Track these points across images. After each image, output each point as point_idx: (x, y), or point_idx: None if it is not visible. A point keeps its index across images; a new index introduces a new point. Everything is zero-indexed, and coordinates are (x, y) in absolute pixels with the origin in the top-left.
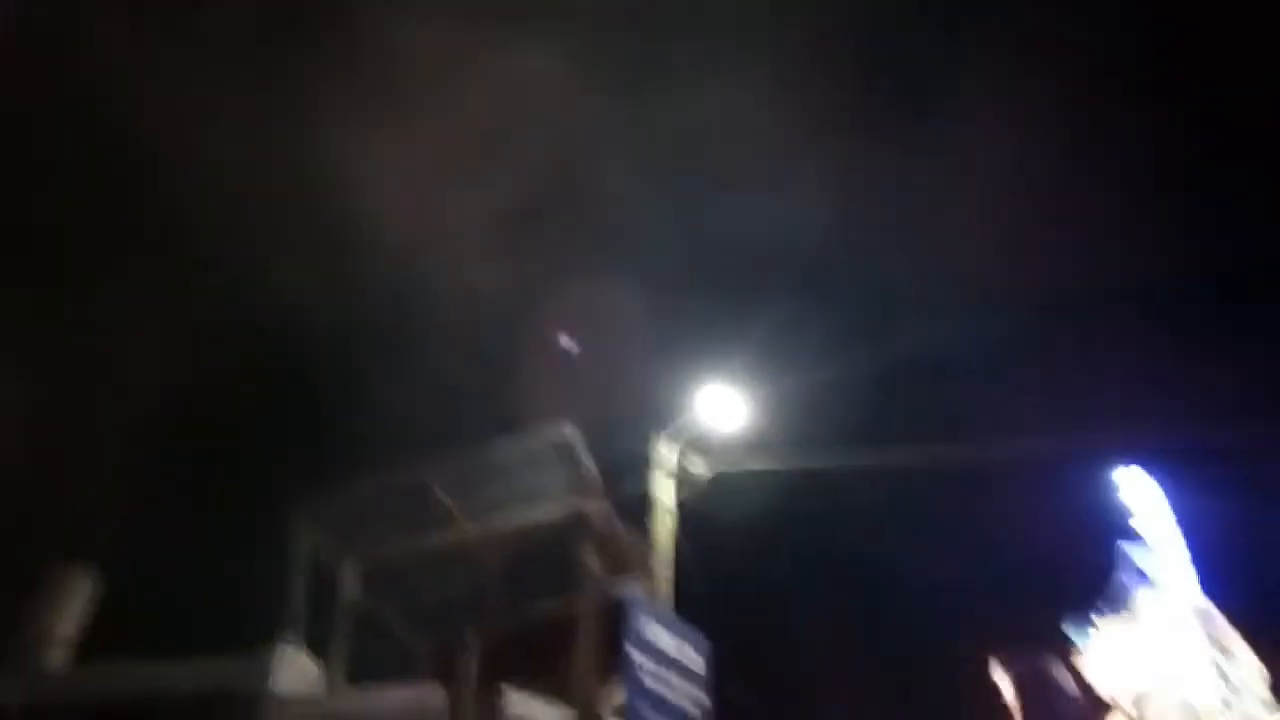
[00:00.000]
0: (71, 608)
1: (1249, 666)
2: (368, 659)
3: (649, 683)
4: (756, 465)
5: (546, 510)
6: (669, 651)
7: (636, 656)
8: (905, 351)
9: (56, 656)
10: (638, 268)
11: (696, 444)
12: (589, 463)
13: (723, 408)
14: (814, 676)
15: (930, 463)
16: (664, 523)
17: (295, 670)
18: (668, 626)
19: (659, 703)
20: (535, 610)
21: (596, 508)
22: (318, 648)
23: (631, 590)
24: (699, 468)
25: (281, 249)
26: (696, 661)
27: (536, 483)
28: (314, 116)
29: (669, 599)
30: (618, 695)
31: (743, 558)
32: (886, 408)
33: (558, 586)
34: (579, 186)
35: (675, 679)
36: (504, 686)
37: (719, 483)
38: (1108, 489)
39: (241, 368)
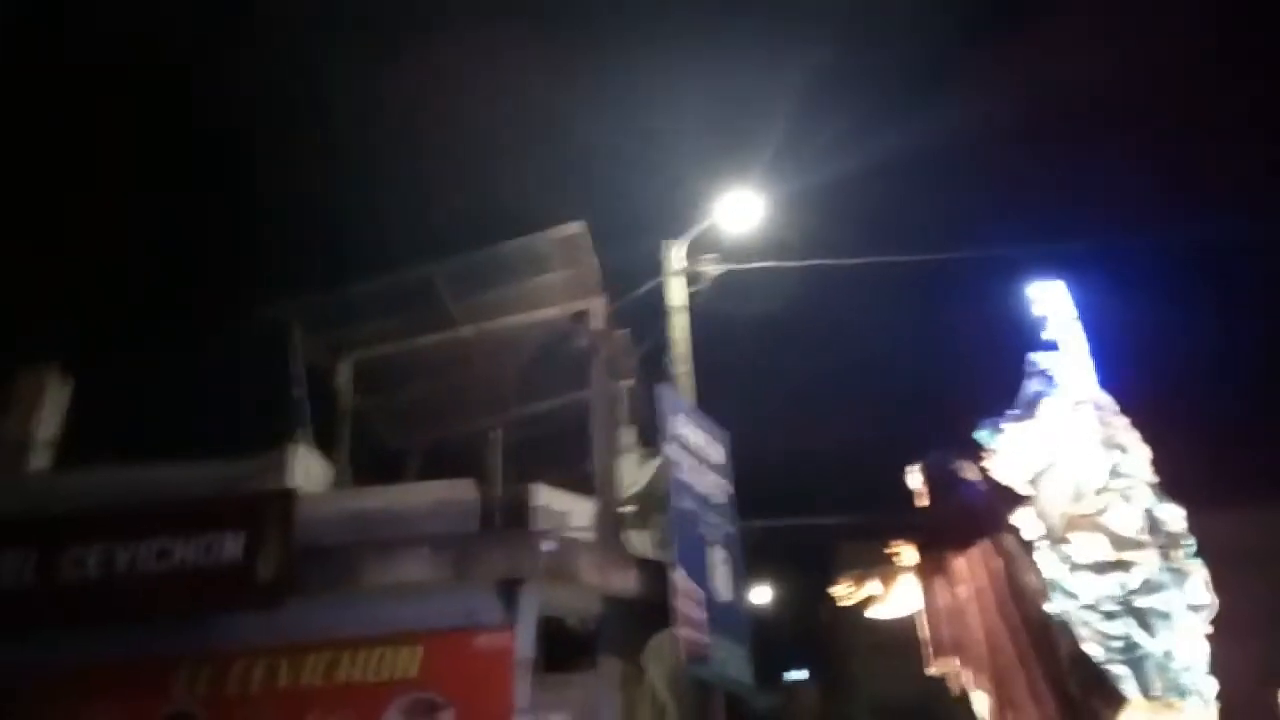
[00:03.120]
0: (49, 411)
1: (1139, 454)
2: (362, 462)
3: (685, 475)
4: (767, 262)
5: (552, 310)
6: (697, 444)
7: (673, 451)
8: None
9: (38, 461)
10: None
11: (709, 245)
12: (595, 261)
13: (737, 209)
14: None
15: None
16: (679, 322)
17: (309, 470)
18: (693, 420)
19: (693, 493)
20: (542, 408)
21: (600, 306)
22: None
23: (662, 387)
24: (711, 267)
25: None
26: (720, 452)
27: (543, 283)
28: None
29: (688, 395)
30: (634, 485)
31: (751, 354)
32: (907, 205)
33: (562, 386)
34: None
35: (705, 470)
36: (530, 481)
37: (730, 280)
38: (1023, 303)
39: (228, 158)
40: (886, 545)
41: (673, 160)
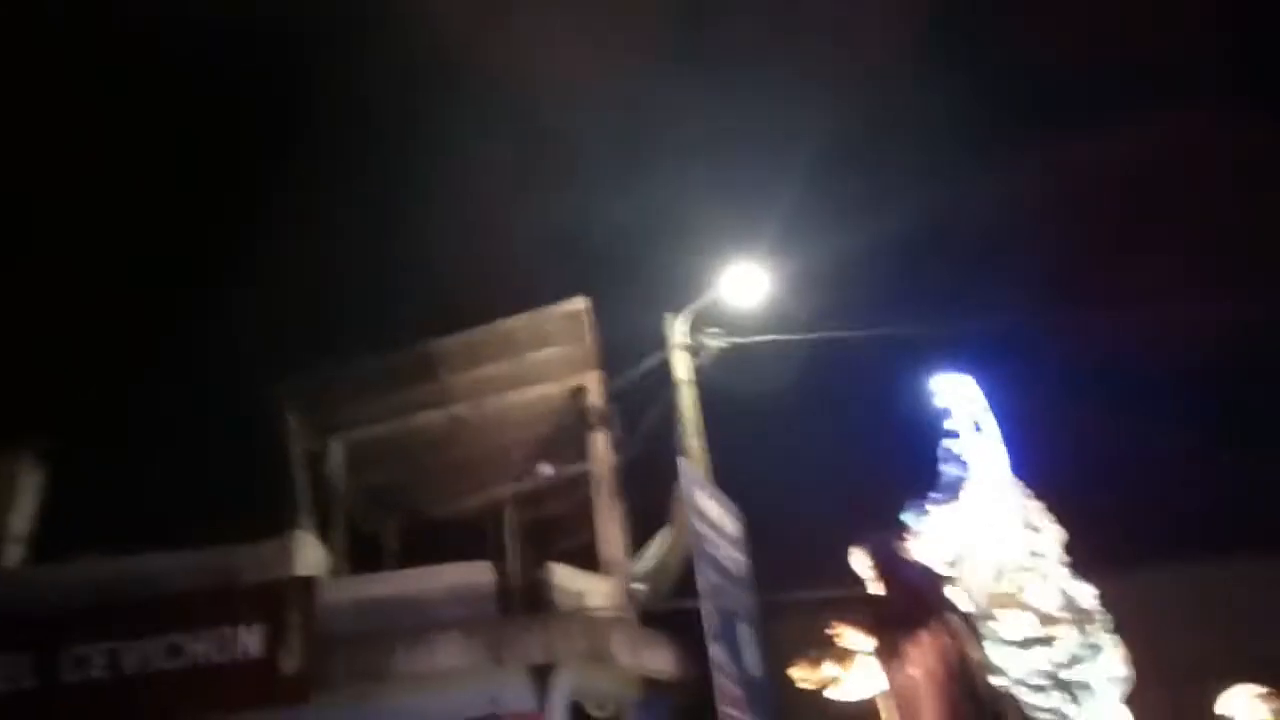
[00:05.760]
0: (22, 502)
1: (1052, 535)
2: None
3: (709, 549)
4: (768, 335)
5: (549, 385)
6: (716, 518)
7: (698, 525)
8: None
9: (11, 555)
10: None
11: (713, 319)
12: (594, 337)
13: (741, 283)
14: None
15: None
16: (687, 396)
17: (312, 557)
18: (711, 495)
19: (718, 567)
20: (533, 486)
21: (597, 381)
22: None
23: (683, 461)
24: (716, 340)
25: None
26: (736, 526)
27: (541, 358)
28: None
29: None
30: (640, 562)
31: (745, 428)
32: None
33: (563, 460)
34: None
35: (724, 544)
36: (547, 560)
37: (736, 354)
38: (929, 394)
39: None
40: (829, 626)
41: (671, 233)
